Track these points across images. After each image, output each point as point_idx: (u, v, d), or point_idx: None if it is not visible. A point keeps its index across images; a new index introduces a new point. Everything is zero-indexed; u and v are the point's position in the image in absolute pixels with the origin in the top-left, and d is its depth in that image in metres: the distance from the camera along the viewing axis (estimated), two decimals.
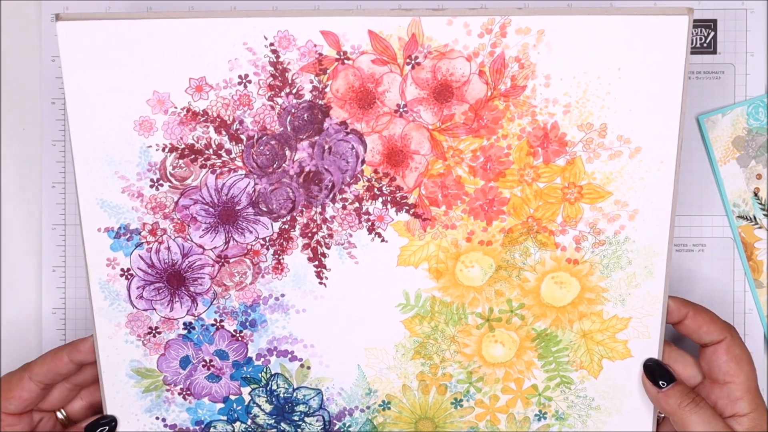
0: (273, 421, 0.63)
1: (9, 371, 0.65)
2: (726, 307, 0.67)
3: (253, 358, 0.62)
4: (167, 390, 0.62)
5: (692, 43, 0.65)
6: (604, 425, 0.62)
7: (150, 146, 0.57)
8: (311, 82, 0.56)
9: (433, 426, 0.63)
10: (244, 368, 0.62)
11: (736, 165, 0.65)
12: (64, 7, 0.66)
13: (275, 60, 0.55)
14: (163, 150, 0.57)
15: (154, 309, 0.60)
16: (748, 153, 0.65)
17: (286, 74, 0.56)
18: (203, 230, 0.59)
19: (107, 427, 0.62)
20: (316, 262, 0.59)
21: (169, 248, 0.59)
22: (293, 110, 0.56)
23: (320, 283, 0.60)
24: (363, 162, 0.57)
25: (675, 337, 0.66)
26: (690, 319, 0.60)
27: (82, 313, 0.67)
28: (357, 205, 0.58)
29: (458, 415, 0.63)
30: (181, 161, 0.57)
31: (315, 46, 0.55)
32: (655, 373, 0.60)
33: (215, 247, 0.59)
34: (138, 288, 0.60)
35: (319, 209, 0.58)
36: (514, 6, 0.63)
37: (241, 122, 0.56)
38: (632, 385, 0.61)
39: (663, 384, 0.60)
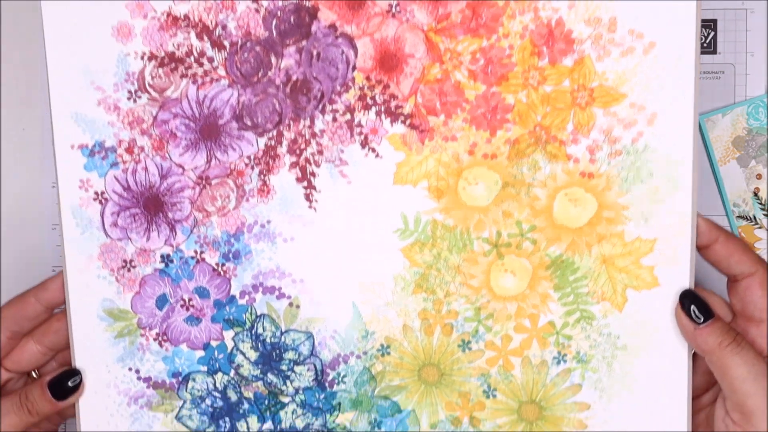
0: (259, 371, 0.57)
1: None
2: None
3: (237, 296, 0.56)
4: (142, 335, 0.56)
5: None
6: (632, 367, 0.55)
7: (128, 54, 0.53)
8: None
9: (438, 374, 0.56)
10: (227, 308, 0.56)
11: (736, 165, 0.65)
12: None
13: None
14: (142, 58, 0.53)
15: (129, 239, 0.55)
16: (748, 153, 0.65)
17: None
18: (183, 147, 0.54)
19: (74, 381, 0.56)
20: (305, 183, 0.55)
21: (146, 168, 0.54)
22: (279, 13, 0.53)
23: (310, 206, 0.55)
24: (354, 68, 0.53)
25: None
26: (721, 245, 0.54)
27: None
28: (348, 116, 0.54)
29: (467, 360, 0.56)
30: (160, 70, 0.53)
31: None
32: (692, 306, 0.53)
33: (196, 167, 0.54)
34: (112, 214, 0.55)
35: (307, 122, 0.54)
36: None
37: (224, 27, 0.53)
38: (662, 319, 0.54)
39: (700, 319, 0.53)
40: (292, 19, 0.53)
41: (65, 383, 0.56)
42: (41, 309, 0.57)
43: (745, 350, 0.52)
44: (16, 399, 0.56)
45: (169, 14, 0.53)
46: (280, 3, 0.52)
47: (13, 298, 0.57)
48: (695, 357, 0.56)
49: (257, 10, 0.53)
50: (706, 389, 0.57)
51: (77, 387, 0.56)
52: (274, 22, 0.53)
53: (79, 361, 0.57)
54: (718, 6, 0.65)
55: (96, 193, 0.55)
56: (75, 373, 0.56)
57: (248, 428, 0.57)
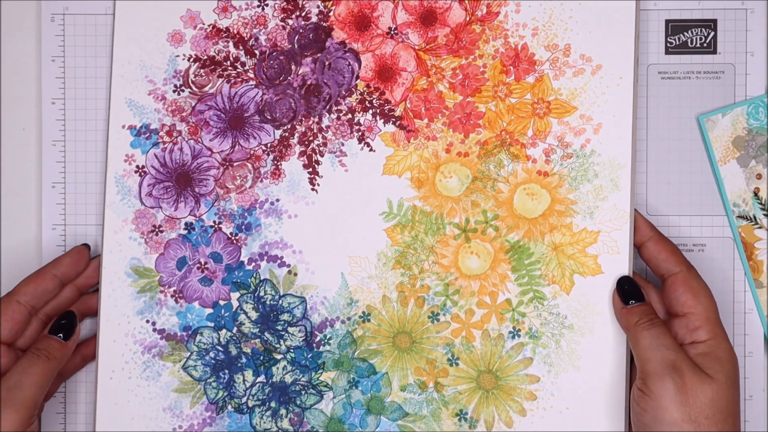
0: (257, 330, 0.66)
1: None
2: (726, 307, 0.67)
3: (245, 263, 0.66)
4: (161, 292, 0.66)
5: (692, 43, 0.67)
6: (578, 346, 0.63)
7: (178, 56, 0.66)
8: (318, 6, 0.66)
9: (410, 341, 0.65)
10: (236, 272, 0.66)
11: (736, 165, 0.66)
12: (64, 7, 0.68)
13: None
14: (189, 60, 0.66)
15: (160, 207, 0.66)
16: (748, 153, 0.65)
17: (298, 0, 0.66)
18: (213, 134, 0.66)
19: (68, 322, 0.63)
20: (310, 169, 0.66)
21: (181, 149, 0.66)
22: (301, 30, 0.66)
23: (312, 189, 0.66)
24: (357, 77, 0.66)
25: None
26: (652, 243, 0.62)
27: None
28: (350, 116, 0.66)
29: (435, 330, 0.65)
30: (202, 71, 0.66)
31: None
32: (627, 291, 0.62)
33: (222, 151, 0.66)
34: (149, 185, 0.66)
35: (316, 119, 0.66)
36: None
37: (256, 39, 0.66)
38: (604, 303, 0.63)
39: (632, 303, 0.61)
40: (310, 36, 0.66)
41: (64, 324, 0.63)
42: (57, 283, 0.64)
43: (654, 328, 0.59)
44: (27, 355, 0.61)
45: (214, 26, 0.66)
46: (303, 22, 0.66)
47: (30, 276, 0.63)
48: None
49: (284, 27, 0.66)
50: None
51: (74, 325, 0.63)
52: (296, 37, 0.66)
53: (103, 312, 0.66)
54: (718, 6, 0.66)
55: (138, 167, 0.66)
56: (69, 314, 0.63)
57: (244, 380, 0.66)
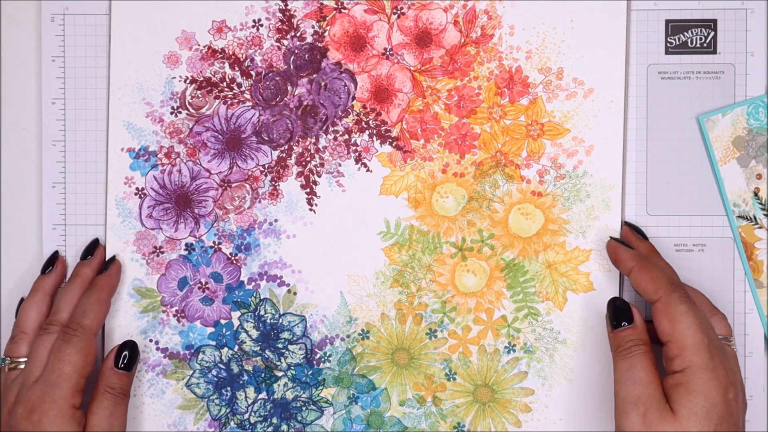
0: (258, 348, 0.67)
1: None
2: (726, 307, 0.65)
3: (245, 282, 0.67)
4: (163, 311, 0.67)
5: (692, 43, 0.66)
6: (571, 360, 0.66)
7: (174, 77, 0.67)
8: (313, 27, 0.66)
9: (408, 357, 0.67)
10: (236, 292, 0.67)
11: (736, 165, 0.65)
12: (64, 7, 0.68)
13: (284, 7, 0.66)
14: (185, 81, 0.67)
15: (161, 229, 0.67)
16: (748, 153, 0.65)
17: (292, 20, 0.66)
18: (211, 155, 0.67)
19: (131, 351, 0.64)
20: (308, 190, 0.67)
21: (180, 171, 0.67)
22: (296, 51, 0.66)
23: (310, 209, 0.67)
24: (353, 98, 0.66)
25: None
26: (635, 273, 0.60)
27: None
28: (347, 137, 0.66)
29: (432, 347, 0.66)
30: (198, 92, 0.67)
31: None
32: (617, 312, 0.61)
33: (220, 172, 0.67)
34: (149, 207, 0.67)
35: (313, 140, 0.67)
36: None
37: (252, 60, 0.67)
38: (595, 319, 0.65)
39: (624, 325, 0.60)
40: (306, 56, 0.66)
41: (125, 356, 0.64)
42: None
43: (629, 358, 0.57)
44: (105, 395, 0.62)
45: (209, 47, 0.67)
46: (298, 43, 0.66)
47: (94, 306, 0.63)
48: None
49: (279, 48, 0.66)
50: None
51: (137, 354, 0.65)
52: (291, 57, 0.66)
53: (108, 332, 0.67)
54: (718, 6, 0.66)
55: (137, 189, 0.67)
56: (130, 343, 0.65)
57: (246, 397, 0.67)
